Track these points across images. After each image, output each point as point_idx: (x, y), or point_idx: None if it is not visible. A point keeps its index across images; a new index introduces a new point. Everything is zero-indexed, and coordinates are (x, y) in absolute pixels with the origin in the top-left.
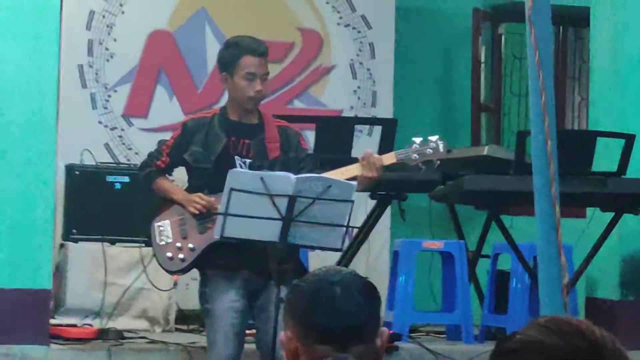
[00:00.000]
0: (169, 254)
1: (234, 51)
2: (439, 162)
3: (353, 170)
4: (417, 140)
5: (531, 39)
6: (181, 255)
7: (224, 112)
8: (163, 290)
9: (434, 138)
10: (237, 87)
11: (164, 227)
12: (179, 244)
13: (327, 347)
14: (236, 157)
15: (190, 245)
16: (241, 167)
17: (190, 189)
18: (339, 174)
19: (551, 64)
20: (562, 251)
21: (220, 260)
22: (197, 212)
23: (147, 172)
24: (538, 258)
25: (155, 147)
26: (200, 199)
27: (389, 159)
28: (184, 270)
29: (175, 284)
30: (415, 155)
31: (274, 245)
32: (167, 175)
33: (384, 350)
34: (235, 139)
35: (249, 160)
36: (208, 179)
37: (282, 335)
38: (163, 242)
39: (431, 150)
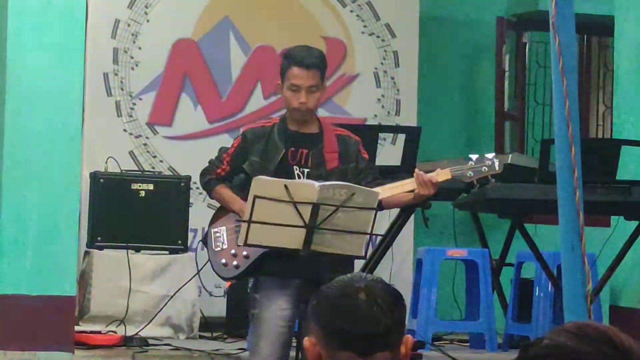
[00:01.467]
0: (224, 260)
1: (284, 62)
2: (493, 180)
3: (407, 185)
4: (474, 157)
5: (555, 46)
6: (235, 262)
7: (284, 122)
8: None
9: (490, 155)
10: (285, 98)
11: (220, 234)
12: (233, 251)
13: (350, 353)
14: (295, 166)
15: (245, 253)
16: (299, 177)
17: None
18: (394, 189)
19: (575, 71)
20: (585, 259)
21: (273, 267)
22: None
23: (207, 179)
24: (562, 266)
25: (215, 155)
26: None
27: (444, 175)
28: (237, 277)
29: (226, 291)
30: (470, 172)
31: (329, 255)
32: (226, 183)
33: (409, 357)
34: (294, 149)
35: (307, 170)
36: None
37: (306, 340)
38: (218, 248)
39: (487, 168)
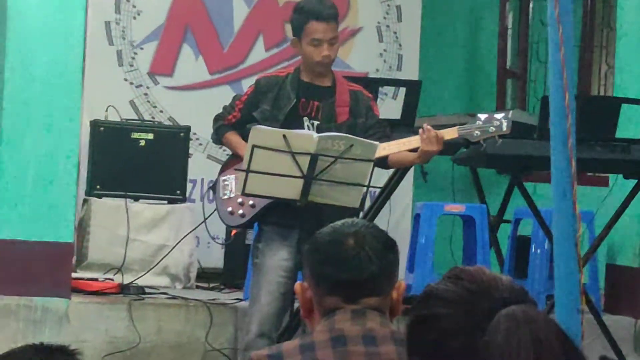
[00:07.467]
0: (230, 209)
1: (300, 16)
2: (500, 140)
3: (413, 142)
4: (482, 116)
5: None
6: (241, 211)
7: (297, 73)
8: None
9: (499, 116)
10: (305, 53)
11: (229, 182)
12: (240, 200)
13: (336, 299)
14: (305, 118)
15: (251, 202)
16: (309, 128)
17: None
18: (400, 145)
19: (571, 18)
20: (576, 205)
21: (276, 218)
22: None
23: (219, 125)
24: (553, 212)
25: (229, 102)
26: None
27: (451, 133)
28: (243, 226)
29: (230, 238)
30: (477, 132)
31: (333, 207)
32: (236, 130)
33: (401, 303)
34: (305, 100)
35: (317, 122)
36: None
37: (297, 285)
38: (226, 196)
39: (494, 129)
